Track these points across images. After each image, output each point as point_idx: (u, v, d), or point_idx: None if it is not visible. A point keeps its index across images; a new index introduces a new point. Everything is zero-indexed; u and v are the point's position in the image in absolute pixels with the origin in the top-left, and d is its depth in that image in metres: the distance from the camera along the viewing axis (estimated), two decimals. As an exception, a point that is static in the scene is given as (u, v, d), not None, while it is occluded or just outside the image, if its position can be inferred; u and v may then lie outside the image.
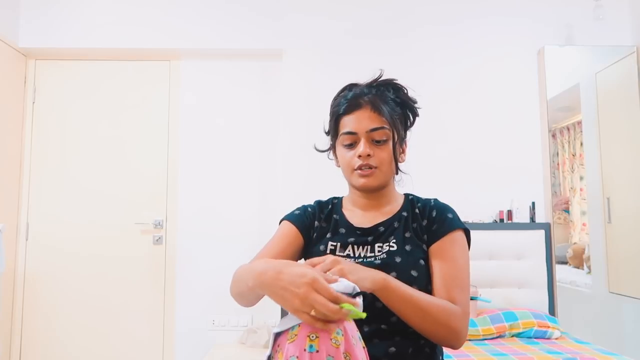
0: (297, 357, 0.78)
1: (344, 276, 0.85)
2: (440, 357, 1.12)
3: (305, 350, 0.78)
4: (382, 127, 1.10)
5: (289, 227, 1.18)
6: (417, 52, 2.85)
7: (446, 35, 2.87)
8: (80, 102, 2.97)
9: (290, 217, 1.21)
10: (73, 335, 2.82)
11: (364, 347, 0.86)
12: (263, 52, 2.93)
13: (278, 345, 0.84)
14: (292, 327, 0.82)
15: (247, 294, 0.98)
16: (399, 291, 0.95)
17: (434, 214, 1.14)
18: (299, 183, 2.74)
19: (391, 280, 0.95)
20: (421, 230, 1.13)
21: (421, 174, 2.70)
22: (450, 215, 1.13)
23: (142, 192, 2.91)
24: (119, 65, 2.99)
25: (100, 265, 2.86)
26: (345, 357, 0.80)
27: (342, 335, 0.81)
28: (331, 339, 0.79)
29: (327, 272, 0.86)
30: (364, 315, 0.82)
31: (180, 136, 2.95)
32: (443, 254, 1.08)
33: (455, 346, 1.02)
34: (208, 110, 2.97)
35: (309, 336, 0.79)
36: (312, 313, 0.79)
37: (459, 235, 1.11)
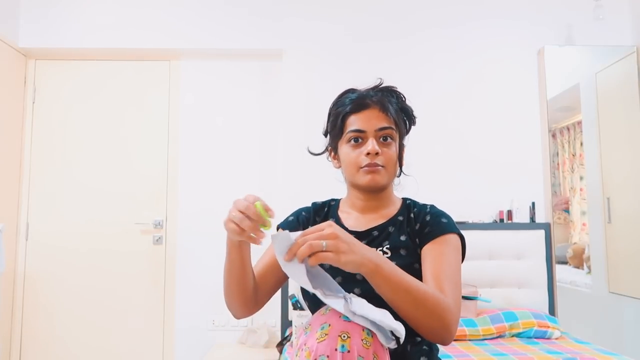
0: (328, 356, 0.79)
1: (338, 255, 0.83)
2: (437, 354, 1.12)
3: (336, 350, 0.79)
4: (390, 127, 1.12)
5: None
6: (417, 54, 2.85)
7: (446, 37, 2.87)
8: (80, 102, 2.97)
9: (284, 225, 1.22)
10: (73, 336, 2.82)
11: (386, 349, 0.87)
12: (263, 53, 2.93)
13: (305, 344, 0.84)
14: (322, 326, 0.83)
15: (229, 273, 1.02)
16: (390, 276, 0.89)
17: (428, 218, 1.13)
18: (298, 183, 2.74)
19: (384, 265, 0.89)
20: (414, 234, 1.12)
21: (421, 174, 2.70)
22: (444, 220, 1.12)
23: (142, 192, 2.91)
24: (119, 65, 2.99)
25: (100, 265, 2.86)
26: (374, 358, 0.81)
27: (372, 336, 0.82)
28: (362, 340, 0.81)
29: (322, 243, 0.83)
30: (268, 222, 0.90)
31: (180, 136, 2.95)
32: (434, 253, 1.06)
33: (444, 341, 0.96)
34: (208, 110, 2.97)
35: (340, 336, 0.80)
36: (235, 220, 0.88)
37: (453, 237, 1.09)
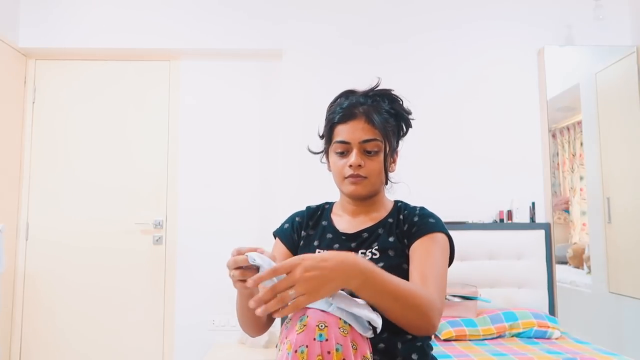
0: (307, 346, 0.81)
1: (313, 294, 0.82)
2: (430, 352, 1.12)
3: (315, 339, 0.82)
4: (375, 139, 1.13)
5: (281, 248, 1.23)
6: (417, 56, 2.85)
7: (445, 39, 2.86)
8: (80, 102, 2.97)
9: (280, 233, 1.26)
10: (73, 337, 2.82)
11: (367, 339, 0.89)
12: (263, 53, 2.93)
13: (286, 337, 0.86)
14: (301, 318, 0.85)
15: (242, 313, 1.07)
16: (376, 286, 0.90)
17: (416, 219, 1.16)
18: (298, 182, 2.74)
19: (368, 276, 0.89)
20: (402, 235, 1.14)
21: (421, 174, 2.72)
22: (432, 220, 1.14)
23: (142, 192, 2.91)
24: (119, 65, 2.99)
25: (100, 266, 2.86)
26: (352, 346, 0.83)
27: (349, 325, 0.85)
28: (339, 328, 0.83)
29: (291, 289, 0.81)
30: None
31: (180, 136, 2.95)
32: (421, 250, 1.09)
33: (427, 333, 0.99)
34: (208, 110, 2.97)
35: (318, 326, 0.83)
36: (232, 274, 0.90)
37: (440, 236, 1.12)
